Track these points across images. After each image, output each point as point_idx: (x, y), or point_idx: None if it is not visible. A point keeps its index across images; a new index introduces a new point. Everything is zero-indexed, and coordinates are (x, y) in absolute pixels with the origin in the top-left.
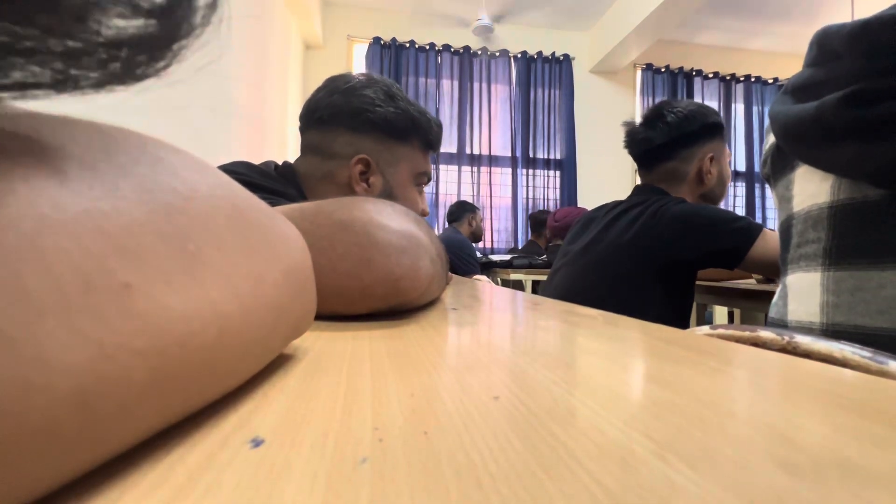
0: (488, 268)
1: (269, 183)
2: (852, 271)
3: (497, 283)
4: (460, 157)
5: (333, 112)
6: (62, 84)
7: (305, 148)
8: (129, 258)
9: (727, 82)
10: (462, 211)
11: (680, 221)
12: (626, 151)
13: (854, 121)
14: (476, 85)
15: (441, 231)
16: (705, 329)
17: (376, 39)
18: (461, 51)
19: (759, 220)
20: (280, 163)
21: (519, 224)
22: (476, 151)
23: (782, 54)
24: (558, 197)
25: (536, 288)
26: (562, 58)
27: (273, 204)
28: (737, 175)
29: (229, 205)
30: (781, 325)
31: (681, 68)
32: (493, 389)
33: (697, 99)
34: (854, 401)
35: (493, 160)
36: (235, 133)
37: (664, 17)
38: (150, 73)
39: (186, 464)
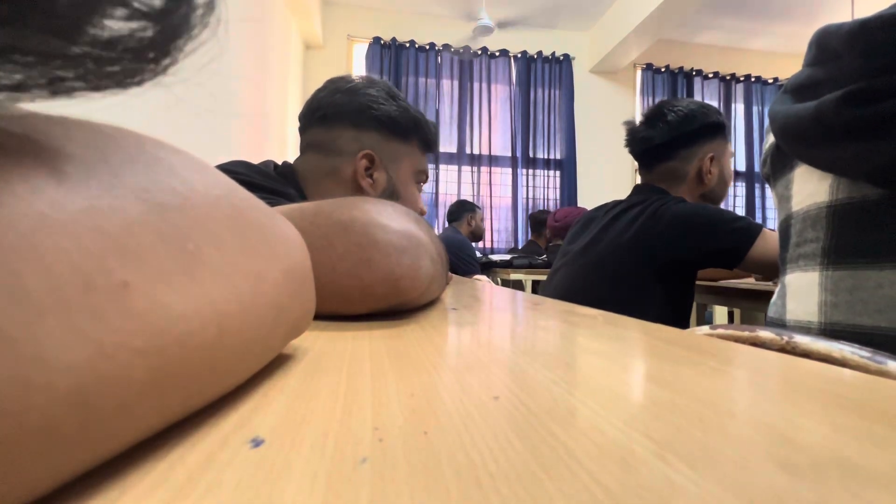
0: (488, 268)
1: (269, 183)
2: (851, 271)
3: (497, 283)
4: (460, 157)
5: (337, 109)
6: (58, 86)
7: (307, 146)
8: (128, 257)
9: (727, 82)
10: (461, 210)
11: (680, 221)
12: (626, 151)
13: (853, 120)
14: (476, 85)
15: (441, 231)
16: (705, 329)
17: (376, 39)
18: (461, 50)
19: (759, 220)
20: (279, 163)
21: (519, 224)
22: (476, 151)
23: (782, 54)
24: (558, 197)
25: (536, 288)
26: (562, 58)
27: (272, 204)
28: (737, 175)
29: (228, 204)
30: (780, 324)
31: (681, 68)
32: (493, 389)
33: (697, 99)
34: (853, 400)
35: (493, 160)
36: (235, 133)
37: (664, 17)
38: (147, 76)
39: (186, 463)
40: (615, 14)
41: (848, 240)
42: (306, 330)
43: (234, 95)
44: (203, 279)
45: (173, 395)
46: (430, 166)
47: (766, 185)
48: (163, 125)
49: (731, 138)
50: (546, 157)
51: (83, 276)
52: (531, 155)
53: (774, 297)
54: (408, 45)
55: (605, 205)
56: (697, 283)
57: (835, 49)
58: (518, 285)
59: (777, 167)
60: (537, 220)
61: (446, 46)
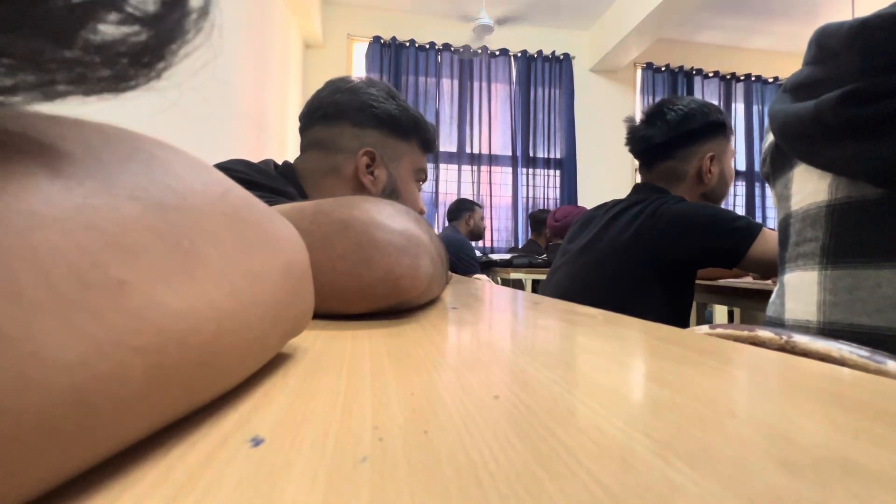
0: (488, 267)
1: (269, 181)
2: (850, 270)
3: (497, 283)
4: (460, 157)
5: (338, 108)
6: (50, 90)
7: (308, 145)
8: (124, 255)
9: (727, 81)
10: (460, 210)
11: (679, 220)
12: (626, 150)
13: (852, 119)
14: (476, 84)
15: (440, 230)
16: (705, 328)
17: (376, 38)
18: (461, 50)
19: (759, 219)
20: (280, 162)
21: (519, 223)
22: (476, 150)
23: (783, 53)
24: (558, 196)
25: (536, 287)
26: (562, 57)
27: (272, 202)
28: (737, 174)
29: (226, 203)
30: (779, 323)
31: (681, 67)
32: (493, 388)
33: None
34: (853, 400)
35: (493, 159)
36: (235, 132)
37: (664, 16)
38: (141, 81)
39: (187, 462)
40: (615, 13)
41: (847, 239)
42: (306, 329)
43: (233, 95)
44: (201, 277)
45: (172, 393)
46: (430, 166)
47: (767, 185)
48: (162, 125)
49: (732, 138)
50: (546, 156)
51: (79, 274)
52: (531, 154)
53: (773, 296)
54: (408, 44)
55: (605, 204)
56: (697, 282)
57: (834, 48)
58: (518, 284)
59: (776, 166)
60: (537, 220)
61: (446, 46)
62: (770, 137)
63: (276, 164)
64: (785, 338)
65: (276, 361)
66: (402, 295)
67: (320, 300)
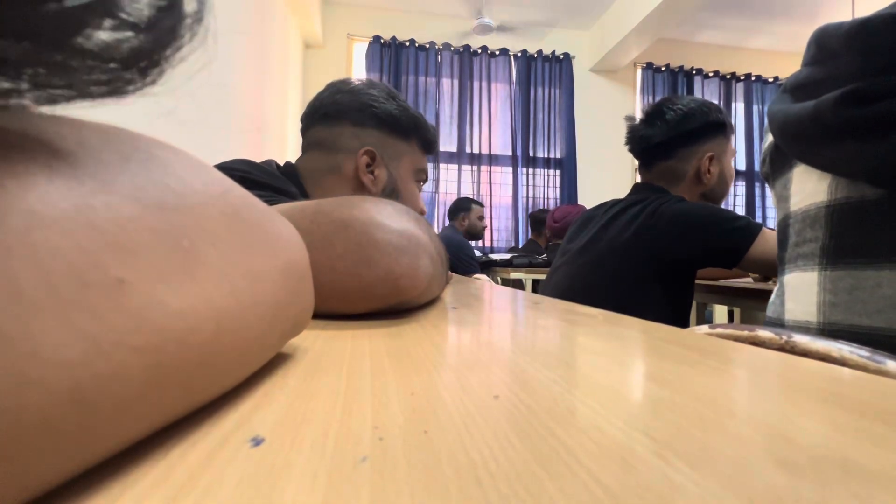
0: (488, 267)
1: (272, 180)
2: (850, 270)
3: (497, 282)
4: (460, 156)
5: (339, 108)
6: (44, 94)
7: (308, 145)
8: (123, 255)
9: (727, 81)
10: (457, 209)
11: (679, 220)
12: (626, 150)
13: (852, 119)
14: (476, 84)
15: (440, 230)
16: (705, 328)
17: (376, 38)
18: (461, 49)
19: (759, 219)
20: (281, 163)
21: (519, 223)
22: (476, 150)
23: (783, 53)
24: (558, 196)
25: (536, 287)
26: (562, 56)
27: (274, 202)
28: (737, 174)
29: (225, 202)
30: (779, 324)
31: (681, 67)
32: (494, 388)
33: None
34: (853, 400)
35: (493, 159)
36: (235, 132)
37: (664, 16)
38: (136, 86)
39: (187, 462)
40: (615, 13)
41: (847, 240)
42: (306, 329)
43: (233, 95)
44: (200, 277)
45: (172, 393)
46: (430, 165)
47: (767, 185)
48: (162, 124)
49: (733, 137)
50: (546, 156)
51: (78, 274)
52: (531, 154)
53: (773, 296)
54: (408, 44)
55: (605, 204)
56: (697, 282)
57: (834, 48)
58: (518, 284)
59: (776, 167)
60: (537, 219)
61: (446, 45)
62: (769, 138)
63: (277, 165)
64: (785, 338)
65: (277, 361)
66: (401, 295)
67: (320, 300)
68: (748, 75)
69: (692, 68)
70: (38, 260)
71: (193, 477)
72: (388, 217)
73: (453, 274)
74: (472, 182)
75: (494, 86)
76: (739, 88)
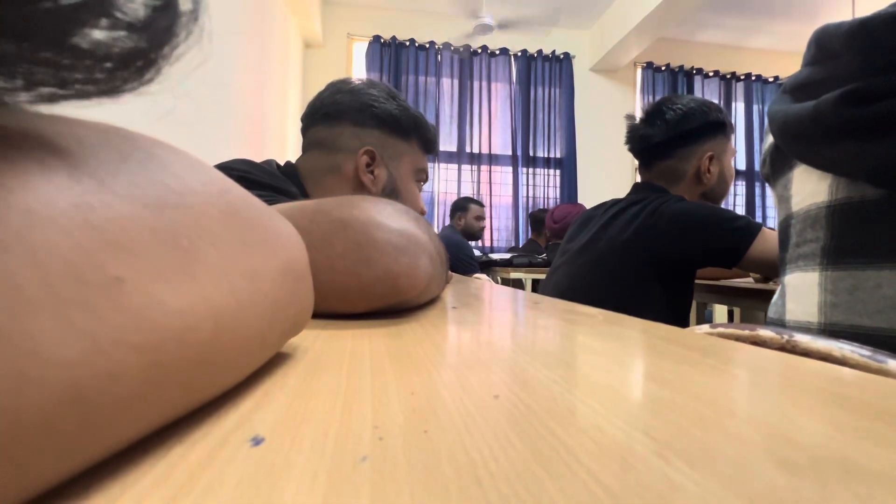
0: (488, 266)
1: (272, 180)
2: (850, 271)
3: (497, 282)
4: (460, 156)
5: (339, 108)
6: (39, 93)
7: (309, 145)
8: (120, 252)
9: (727, 81)
10: (455, 209)
11: (678, 220)
12: (626, 149)
13: (852, 119)
14: (476, 83)
15: (440, 230)
16: (705, 328)
17: (376, 38)
18: (461, 49)
19: (759, 219)
20: (281, 163)
21: (519, 223)
22: (476, 150)
23: (783, 53)
24: (558, 196)
25: (536, 287)
26: (562, 56)
27: (274, 202)
28: (737, 174)
29: (223, 201)
30: (780, 325)
31: (681, 66)
32: (494, 388)
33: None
34: (854, 399)
35: (493, 159)
36: (235, 132)
37: (665, 16)
38: (134, 85)
39: (187, 462)
40: (615, 12)
41: (847, 240)
42: (305, 328)
43: (233, 94)
44: (198, 275)
45: (171, 391)
46: (430, 165)
47: (767, 185)
48: (161, 124)
49: (733, 136)
50: (546, 155)
51: (76, 272)
52: (531, 153)
53: (775, 297)
54: (408, 43)
55: (604, 203)
56: (697, 281)
57: (834, 48)
58: (518, 284)
59: (776, 167)
60: (537, 219)
61: (446, 45)
62: (770, 139)
63: (278, 165)
64: (786, 337)
65: (277, 361)
66: (400, 294)
67: (319, 299)
68: (748, 75)
69: (692, 68)
70: (37, 258)
71: (193, 476)
72: (387, 217)
73: (453, 274)
74: (472, 182)
75: (494, 85)
76: (739, 88)
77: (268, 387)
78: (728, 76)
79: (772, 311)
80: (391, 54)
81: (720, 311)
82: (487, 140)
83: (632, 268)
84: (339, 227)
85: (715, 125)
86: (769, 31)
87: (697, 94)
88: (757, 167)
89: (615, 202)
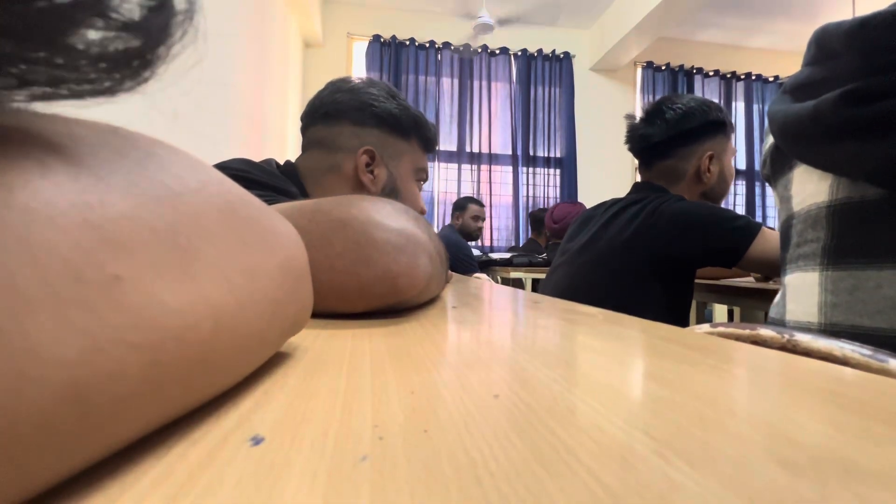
0: (488, 266)
1: (271, 180)
2: (851, 271)
3: (497, 282)
4: (460, 156)
5: (339, 107)
6: (33, 92)
7: (308, 144)
8: (119, 251)
9: (728, 80)
10: (454, 208)
11: (678, 220)
12: (626, 149)
13: (852, 119)
14: (476, 83)
15: (439, 229)
16: (705, 327)
17: (376, 37)
18: (461, 48)
19: (759, 219)
20: (281, 162)
21: (519, 222)
22: (476, 149)
23: (783, 52)
24: (558, 195)
25: (536, 286)
26: (562, 56)
27: (273, 201)
28: (737, 173)
29: (222, 200)
30: (780, 325)
31: (681, 66)
32: (494, 387)
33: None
34: (854, 399)
35: (493, 158)
36: (234, 131)
37: (665, 15)
38: (130, 84)
39: (187, 461)
40: (616, 12)
41: (848, 240)
42: (305, 328)
43: (233, 94)
44: (197, 274)
45: (170, 390)
46: (430, 164)
47: (767, 184)
48: (161, 124)
49: (733, 135)
50: (546, 155)
51: (74, 270)
52: (531, 153)
53: (777, 297)
54: (408, 42)
55: (604, 203)
56: (697, 281)
57: (834, 48)
58: (518, 283)
59: (777, 168)
60: (537, 219)
61: (446, 44)
62: (770, 139)
63: (277, 164)
64: (787, 336)
65: (276, 360)
66: (400, 294)
67: (319, 299)
68: (748, 74)
69: (692, 67)
70: (34, 257)
71: (193, 476)
72: (386, 216)
73: (453, 273)
74: (472, 181)
75: (494, 85)
76: (739, 87)
77: (268, 386)
78: (728, 76)
79: (773, 312)
80: (391, 54)
81: (720, 311)
82: (487, 139)
83: (632, 267)
84: (338, 227)
85: (715, 124)
86: (769, 30)
87: (697, 93)
88: (757, 167)
89: (615, 202)
